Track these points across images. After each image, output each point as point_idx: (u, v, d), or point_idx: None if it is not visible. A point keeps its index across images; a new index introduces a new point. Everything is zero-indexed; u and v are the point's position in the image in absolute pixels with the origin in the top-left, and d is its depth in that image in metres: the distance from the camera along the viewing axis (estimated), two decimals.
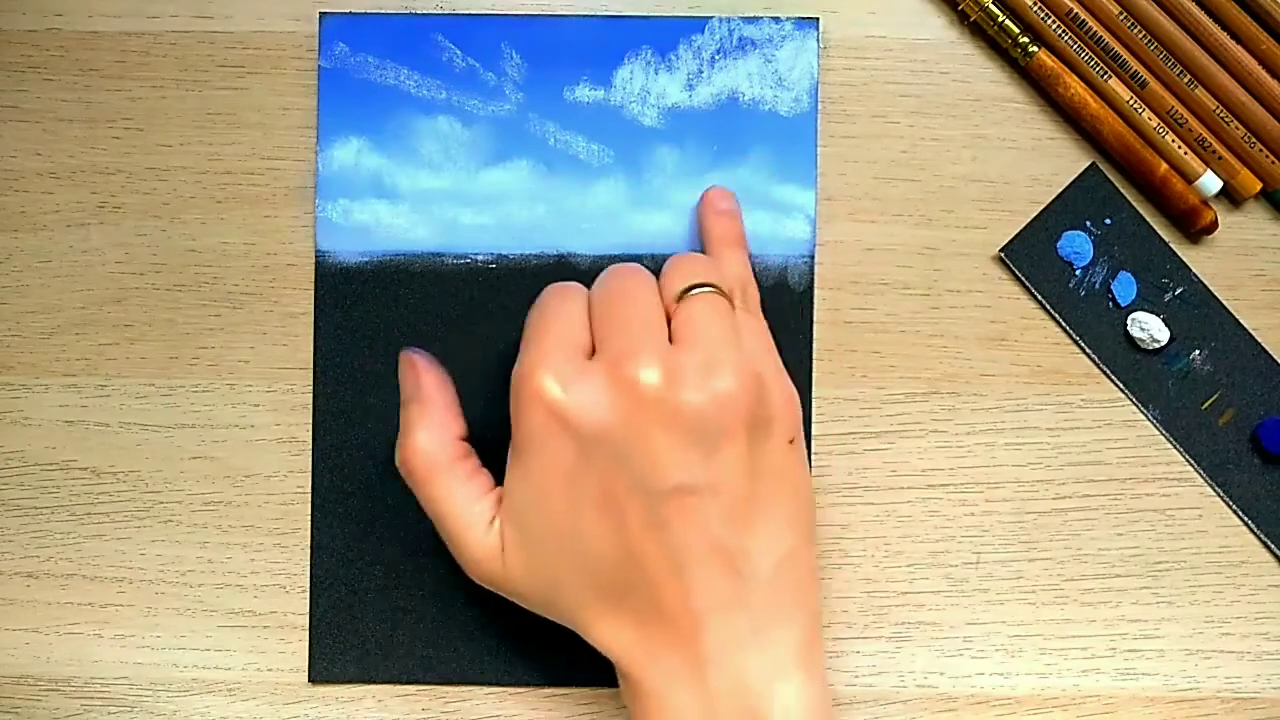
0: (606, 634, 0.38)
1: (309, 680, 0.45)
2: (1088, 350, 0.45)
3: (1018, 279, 0.45)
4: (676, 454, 0.36)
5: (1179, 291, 0.45)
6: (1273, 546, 0.44)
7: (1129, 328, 0.44)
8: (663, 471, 0.36)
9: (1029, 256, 0.45)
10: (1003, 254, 0.45)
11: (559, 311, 0.38)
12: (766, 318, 0.44)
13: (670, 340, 0.37)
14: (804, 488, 0.39)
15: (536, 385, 0.37)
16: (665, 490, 0.36)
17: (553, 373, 0.37)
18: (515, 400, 0.38)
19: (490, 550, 0.39)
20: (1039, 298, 0.45)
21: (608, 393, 0.36)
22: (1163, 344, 0.44)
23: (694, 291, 0.38)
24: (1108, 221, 0.45)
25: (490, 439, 0.44)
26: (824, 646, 0.39)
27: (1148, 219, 0.45)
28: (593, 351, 0.38)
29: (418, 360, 0.40)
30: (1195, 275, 0.45)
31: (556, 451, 0.37)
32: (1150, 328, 0.44)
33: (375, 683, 0.44)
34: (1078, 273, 0.45)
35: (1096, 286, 0.45)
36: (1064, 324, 0.45)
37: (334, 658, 0.44)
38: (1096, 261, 0.45)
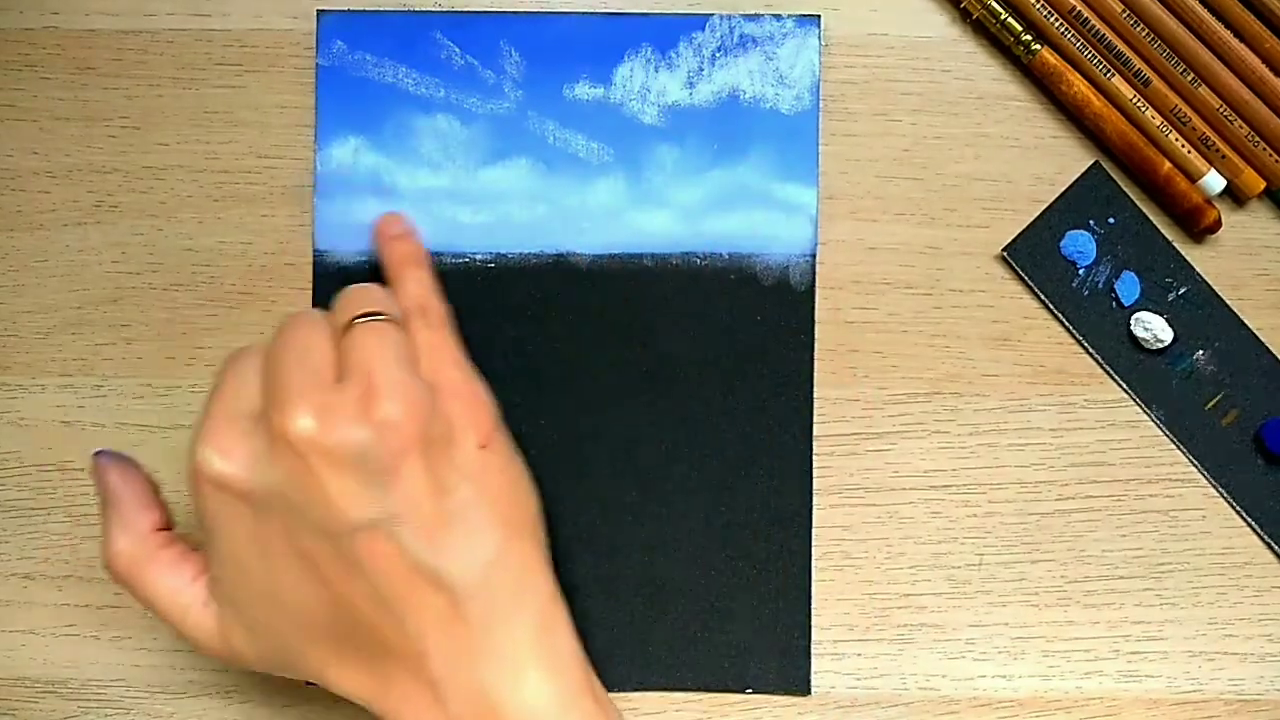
0: (344, 680, 0.38)
1: (307, 681, 0.44)
2: (1091, 350, 0.44)
3: (1020, 279, 0.45)
4: (349, 494, 0.36)
5: (1182, 291, 0.44)
6: (1276, 547, 0.44)
7: (1132, 327, 0.44)
8: (340, 514, 0.36)
9: (1032, 256, 0.44)
10: (1005, 254, 0.44)
11: (229, 378, 0.38)
12: (767, 318, 0.44)
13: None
14: (506, 486, 0.38)
15: (199, 462, 0.37)
16: (347, 531, 0.36)
17: (214, 445, 0.37)
18: (188, 480, 0.38)
19: (209, 630, 0.39)
20: (1042, 298, 0.44)
21: (269, 450, 0.36)
22: (1166, 344, 0.44)
23: (357, 322, 0.38)
24: (1111, 221, 0.44)
25: None
26: (566, 635, 0.38)
27: (1151, 218, 0.45)
28: None
29: (101, 462, 0.40)
30: (1199, 275, 0.45)
31: (236, 522, 0.37)
32: (1154, 327, 0.44)
33: None
34: (1081, 272, 0.44)
35: (1100, 286, 0.44)
36: (1067, 324, 0.44)
37: None
38: (1100, 261, 0.44)
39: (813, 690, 0.44)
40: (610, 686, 0.44)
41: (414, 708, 0.37)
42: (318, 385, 0.36)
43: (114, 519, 0.39)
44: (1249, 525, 0.44)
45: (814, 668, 0.44)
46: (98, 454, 0.41)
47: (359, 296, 0.39)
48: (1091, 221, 0.44)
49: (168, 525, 0.40)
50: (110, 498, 0.40)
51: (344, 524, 0.36)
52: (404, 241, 0.43)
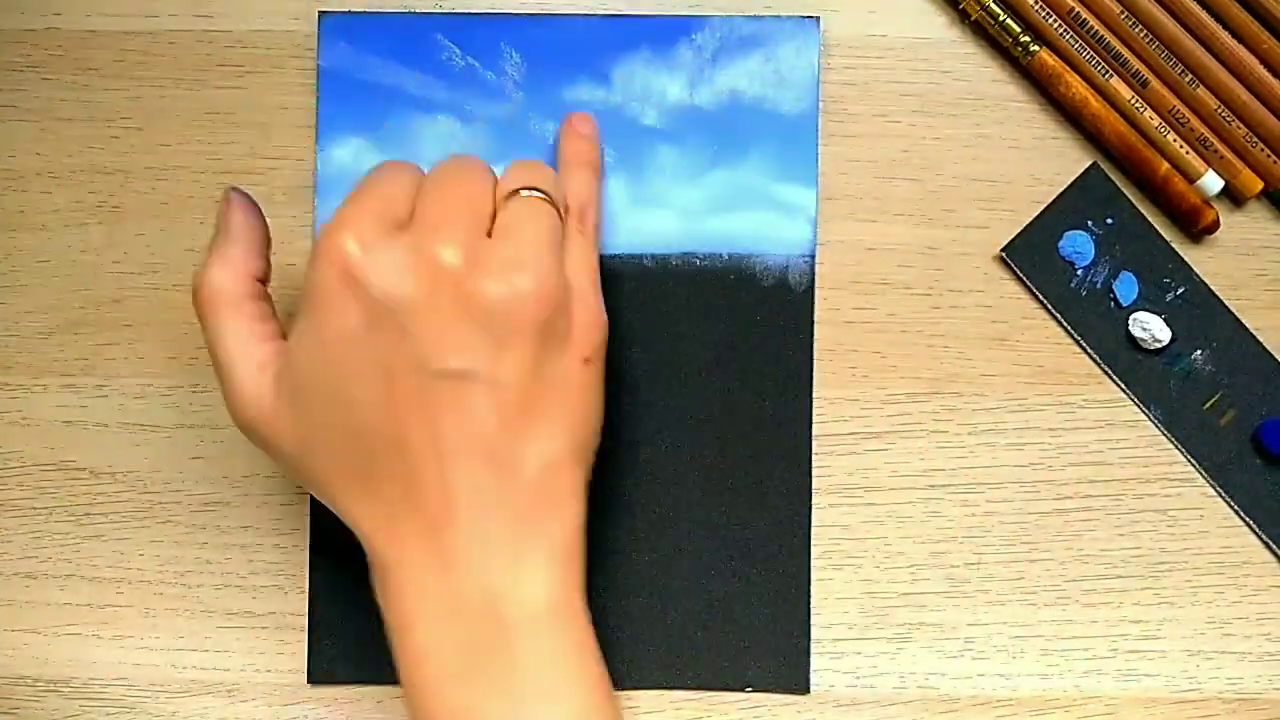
0: (356, 509, 0.37)
1: (308, 681, 0.44)
2: (1089, 350, 0.45)
3: (1019, 279, 0.45)
4: (461, 338, 0.36)
5: (1181, 291, 0.45)
6: (1274, 547, 0.44)
7: (1130, 327, 0.44)
8: (443, 352, 0.36)
9: (1030, 256, 0.45)
10: (1004, 254, 0.45)
11: (384, 179, 0.38)
12: (767, 318, 0.44)
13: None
14: (585, 407, 0.38)
15: (336, 241, 0.36)
16: (442, 371, 0.36)
17: (356, 233, 0.36)
18: (313, 253, 0.37)
19: (256, 394, 0.38)
20: (1040, 298, 0.45)
21: (406, 263, 0.36)
22: (1164, 343, 0.44)
23: (523, 194, 0.38)
24: (1109, 221, 0.45)
25: None
26: (580, 564, 0.38)
27: (1149, 219, 0.45)
28: None
29: (234, 198, 0.40)
30: (1197, 275, 0.45)
31: (344, 312, 0.36)
32: (1151, 327, 0.44)
33: (375, 683, 0.44)
34: (1079, 272, 0.45)
35: (1098, 286, 0.45)
36: (1065, 324, 0.45)
37: (334, 658, 0.44)
38: (1098, 261, 0.45)
39: (812, 689, 0.44)
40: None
41: (420, 567, 0.36)
42: (474, 229, 0.37)
43: (221, 250, 0.39)
44: (1247, 525, 0.44)
45: (813, 666, 0.44)
46: (233, 189, 0.40)
47: (532, 170, 0.39)
48: (1090, 222, 0.45)
49: (266, 279, 0.40)
50: (229, 231, 0.39)
51: (442, 362, 0.36)
52: (586, 143, 0.43)
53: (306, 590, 0.44)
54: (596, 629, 0.44)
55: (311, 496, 0.44)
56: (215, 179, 0.45)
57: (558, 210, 0.39)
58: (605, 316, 0.39)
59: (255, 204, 0.40)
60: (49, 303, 0.45)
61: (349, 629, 0.44)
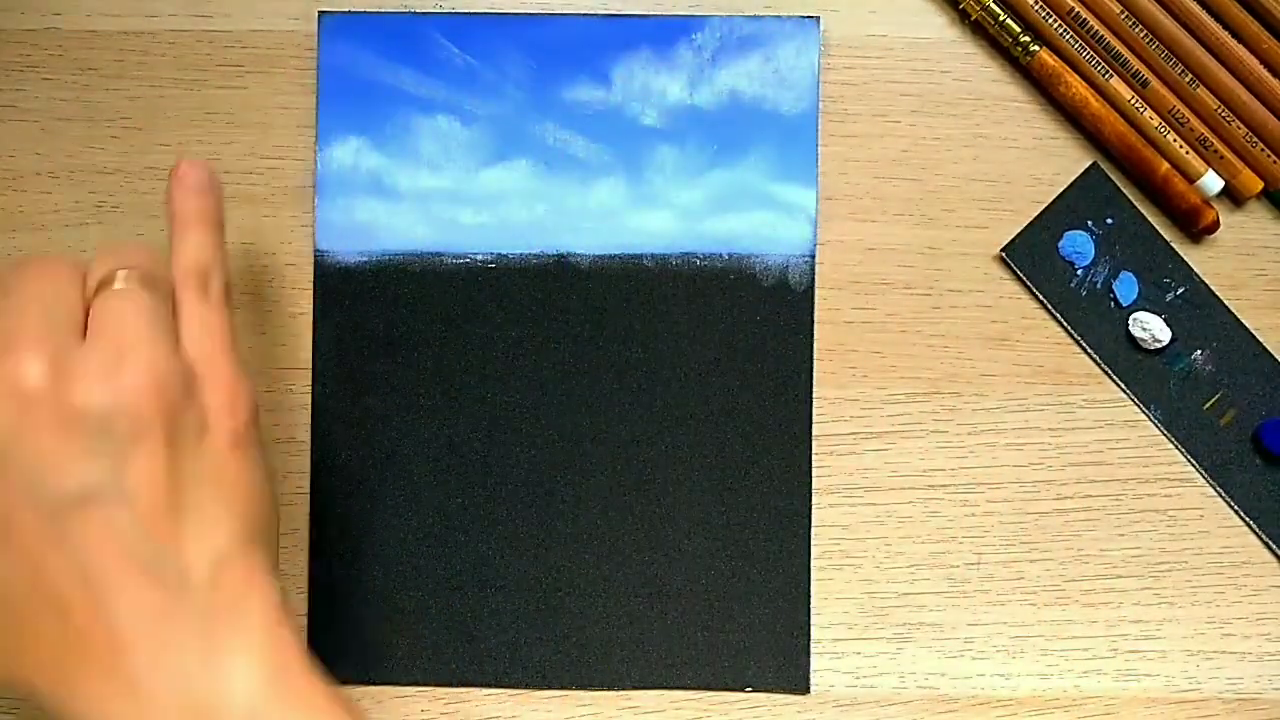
0: (26, 673, 0.33)
1: None
2: (1089, 350, 0.45)
3: (1019, 279, 0.45)
4: (75, 460, 0.32)
5: (1181, 291, 0.45)
6: (1274, 547, 0.44)
7: (1130, 327, 0.44)
8: (59, 479, 0.32)
9: (1030, 256, 0.45)
10: (1004, 254, 0.45)
11: None
12: (768, 318, 0.44)
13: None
14: (244, 490, 0.35)
15: None
16: (63, 500, 0.32)
17: None
18: None
19: None
20: (1040, 298, 0.45)
21: None
22: (1164, 344, 0.44)
23: (116, 283, 0.34)
24: (1109, 221, 0.45)
25: (493, 437, 0.44)
26: (293, 644, 0.34)
27: (1150, 219, 0.45)
28: None
29: None
30: (1197, 275, 0.45)
31: None
32: (1152, 327, 0.44)
33: (375, 683, 0.44)
34: (1079, 272, 0.45)
35: (1098, 286, 0.45)
36: (1065, 324, 0.45)
37: (333, 658, 0.44)
38: (1098, 261, 0.45)
39: (812, 689, 0.44)
40: (609, 685, 0.44)
41: (105, 705, 0.32)
42: (59, 337, 0.33)
43: None
44: (1247, 525, 0.44)
45: (813, 666, 0.44)
46: None
47: (120, 254, 0.35)
48: (1090, 222, 0.45)
49: None
50: None
51: (61, 491, 0.32)
52: (199, 196, 0.38)
53: (306, 590, 0.44)
54: (596, 630, 0.44)
55: (311, 495, 0.44)
56: None
57: (160, 289, 0.35)
58: (247, 386, 0.36)
59: None
60: None
61: (348, 629, 0.44)
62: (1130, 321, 0.44)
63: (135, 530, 0.33)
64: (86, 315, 0.34)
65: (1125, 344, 0.45)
